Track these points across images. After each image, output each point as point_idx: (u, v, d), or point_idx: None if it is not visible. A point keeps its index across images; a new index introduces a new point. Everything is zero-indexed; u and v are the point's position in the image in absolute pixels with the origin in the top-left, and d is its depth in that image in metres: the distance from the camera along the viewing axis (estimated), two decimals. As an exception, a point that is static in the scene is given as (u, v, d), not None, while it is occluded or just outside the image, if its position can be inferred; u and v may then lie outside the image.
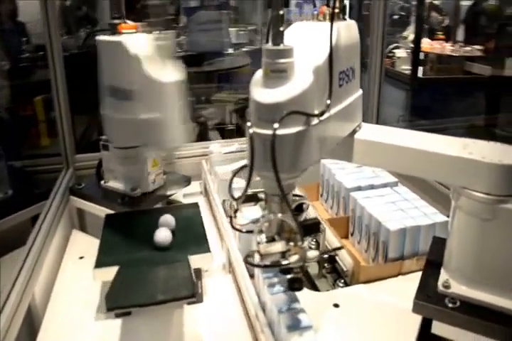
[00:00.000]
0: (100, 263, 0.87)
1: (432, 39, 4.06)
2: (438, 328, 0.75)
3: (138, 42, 0.78)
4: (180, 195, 1.32)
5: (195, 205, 1.08)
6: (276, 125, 0.55)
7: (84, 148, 1.56)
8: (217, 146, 1.37)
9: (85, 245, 1.19)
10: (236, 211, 0.70)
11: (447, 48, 3.85)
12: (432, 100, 3.49)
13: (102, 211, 1.15)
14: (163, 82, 0.80)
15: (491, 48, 3.42)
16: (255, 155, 0.58)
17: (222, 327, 0.87)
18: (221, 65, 3.28)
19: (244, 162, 1.22)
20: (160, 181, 1.20)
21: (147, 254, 0.91)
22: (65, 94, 1.27)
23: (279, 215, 0.64)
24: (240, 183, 1.28)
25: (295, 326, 0.63)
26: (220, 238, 1.10)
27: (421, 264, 0.99)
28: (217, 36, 3.33)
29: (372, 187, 1.17)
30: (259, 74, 0.58)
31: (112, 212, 1.11)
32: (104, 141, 1.16)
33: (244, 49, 4.39)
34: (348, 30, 0.68)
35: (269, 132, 0.55)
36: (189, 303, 0.93)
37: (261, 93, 0.57)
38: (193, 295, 0.73)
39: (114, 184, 1.19)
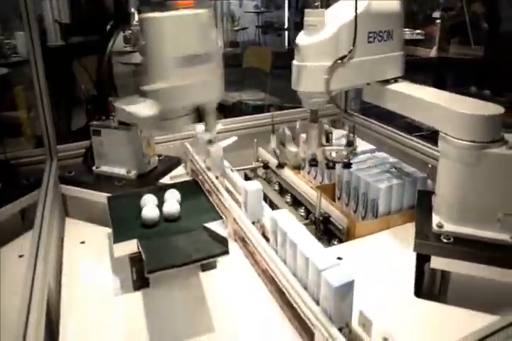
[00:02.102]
0: (118, 238, 0.90)
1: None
2: (436, 262, 0.86)
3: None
4: (167, 177, 1.36)
5: (195, 181, 1.13)
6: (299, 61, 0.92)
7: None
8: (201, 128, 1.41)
9: (82, 231, 1.20)
10: None
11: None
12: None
13: (99, 196, 1.17)
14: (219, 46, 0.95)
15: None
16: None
17: (240, 289, 0.94)
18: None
19: (234, 139, 1.28)
20: (154, 162, 1.23)
21: (160, 226, 0.95)
22: (45, 85, 1.26)
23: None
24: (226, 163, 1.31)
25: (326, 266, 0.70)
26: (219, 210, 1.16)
27: (406, 218, 1.11)
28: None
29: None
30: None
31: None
32: (95, 126, 1.17)
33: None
34: (386, 4, 0.96)
35: (297, 63, 0.92)
36: (204, 270, 0.99)
37: (298, 38, 0.91)
38: (227, 251, 0.79)
39: (108, 168, 1.21)
